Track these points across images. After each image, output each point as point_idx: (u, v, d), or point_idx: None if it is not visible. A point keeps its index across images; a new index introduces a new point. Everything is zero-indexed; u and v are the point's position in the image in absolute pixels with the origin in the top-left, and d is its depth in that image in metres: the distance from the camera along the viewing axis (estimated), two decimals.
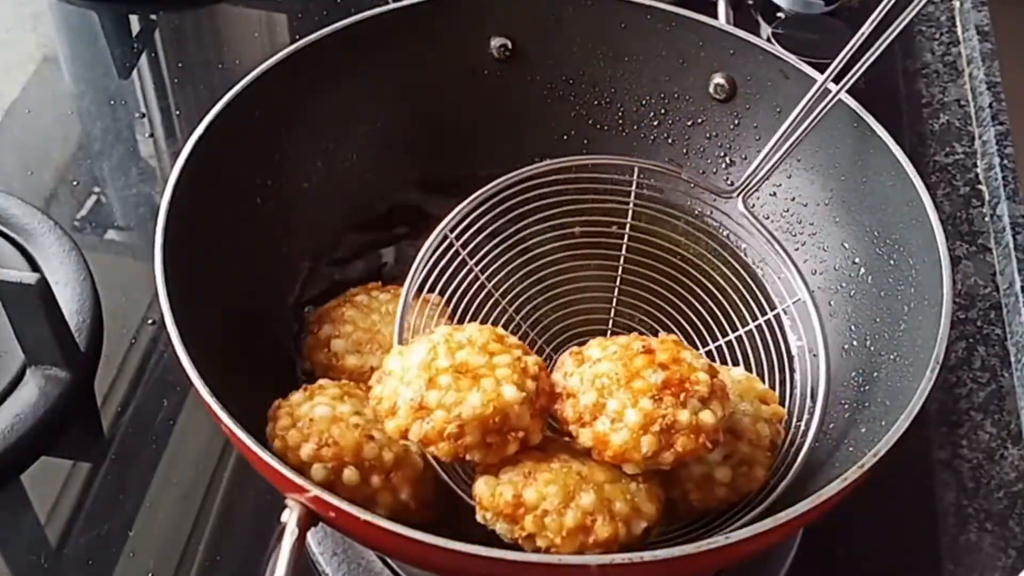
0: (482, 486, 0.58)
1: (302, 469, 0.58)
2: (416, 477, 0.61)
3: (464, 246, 0.70)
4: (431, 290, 0.68)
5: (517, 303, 0.72)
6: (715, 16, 0.93)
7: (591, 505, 0.57)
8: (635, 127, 0.81)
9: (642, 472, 0.59)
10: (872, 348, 0.69)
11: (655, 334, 0.68)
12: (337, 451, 0.59)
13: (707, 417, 0.57)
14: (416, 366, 0.59)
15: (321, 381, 0.64)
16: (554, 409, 0.61)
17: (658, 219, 0.76)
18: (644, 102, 0.80)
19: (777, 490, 0.63)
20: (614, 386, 0.59)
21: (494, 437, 0.58)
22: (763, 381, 0.68)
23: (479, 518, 0.58)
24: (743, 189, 0.73)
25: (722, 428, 0.59)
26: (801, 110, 0.71)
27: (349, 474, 0.59)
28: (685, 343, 0.62)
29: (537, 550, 0.57)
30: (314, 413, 0.60)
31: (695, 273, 0.75)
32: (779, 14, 0.99)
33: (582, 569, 0.54)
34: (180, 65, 1.00)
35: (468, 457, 0.58)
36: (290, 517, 0.56)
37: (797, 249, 0.76)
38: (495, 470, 0.59)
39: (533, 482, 0.57)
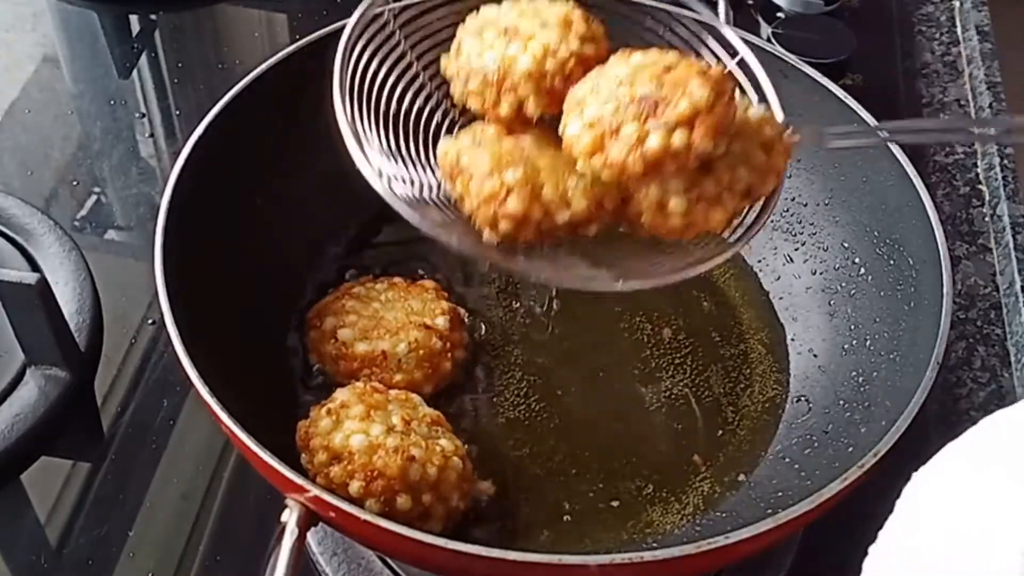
0: (443, 142, 0.61)
1: (353, 502, 0.58)
2: (461, 478, 0.63)
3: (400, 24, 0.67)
4: (356, 65, 0.65)
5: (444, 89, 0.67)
6: (715, 16, 0.93)
7: (514, 179, 0.57)
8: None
9: (591, 176, 0.58)
10: (872, 348, 0.69)
11: None
12: (385, 483, 0.60)
13: (653, 140, 0.55)
14: (481, 17, 0.62)
15: (340, 398, 0.65)
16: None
17: None
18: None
19: (735, 239, 0.60)
20: (607, 86, 0.57)
21: (491, 93, 0.60)
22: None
23: (440, 178, 0.61)
24: None
25: (685, 160, 0.55)
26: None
27: (402, 501, 0.60)
28: (728, 81, 0.57)
29: (469, 217, 0.58)
30: (351, 444, 0.61)
31: None
32: (779, 14, 0.99)
33: (582, 569, 0.54)
34: (180, 65, 1.00)
35: (468, 103, 0.61)
36: (290, 517, 0.56)
37: (797, 249, 0.76)
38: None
39: (477, 149, 0.59)
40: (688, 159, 0.55)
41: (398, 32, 0.66)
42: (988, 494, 0.38)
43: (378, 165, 0.60)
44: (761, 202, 0.61)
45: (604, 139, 0.55)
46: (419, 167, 0.64)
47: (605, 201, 0.59)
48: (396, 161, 0.63)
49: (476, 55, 0.61)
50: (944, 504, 0.39)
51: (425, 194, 0.62)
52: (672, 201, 0.58)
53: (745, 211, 0.61)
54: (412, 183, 0.62)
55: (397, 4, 0.66)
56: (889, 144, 0.70)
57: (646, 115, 0.55)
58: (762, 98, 0.64)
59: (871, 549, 0.41)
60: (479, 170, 0.58)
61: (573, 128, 0.57)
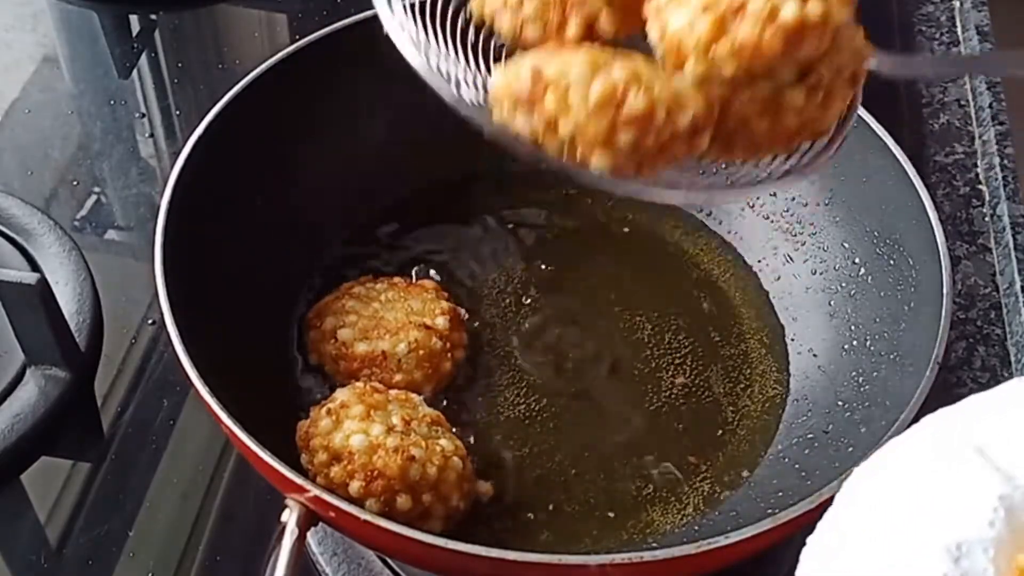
0: (498, 74, 0.51)
1: (353, 502, 0.58)
2: (461, 478, 0.63)
3: None
4: None
5: None
6: None
7: (623, 76, 0.47)
8: None
9: (701, 77, 0.48)
10: (872, 348, 0.69)
11: None
12: (385, 483, 0.60)
13: (790, 9, 0.46)
14: None
15: (340, 398, 0.65)
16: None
17: None
18: None
19: (842, 134, 0.54)
20: None
21: (555, 11, 0.51)
22: None
23: (496, 117, 0.50)
24: None
25: (824, 34, 0.47)
26: None
27: (402, 501, 0.60)
28: None
29: (561, 147, 0.48)
30: (351, 444, 0.61)
31: None
32: None
33: (582, 569, 0.54)
34: (180, 65, 1.00)
35: (525, 34, 0.51)
36: (290, 517, 0.56)
37: (797, 249, 0.76)
38: None
39: (557, 58, 0.48)
40: (826, 32, 0.47)
41: None
42: (919, 491, 0.38)
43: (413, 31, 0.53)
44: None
45: (725, 20, 0.46)
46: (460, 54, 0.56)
47: (716, 102, 0.50)
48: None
49: None
50: (878, 498, 0.40)
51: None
52: (788, 94, 0.50)
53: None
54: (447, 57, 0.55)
55: None
56: (889, 144, 0.70)
57: None
58: None
59: (808, 540, 0.41)
60: (577, 74, 0.47)
61: (678, 20, 0.47)
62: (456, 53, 0.55)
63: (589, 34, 0.51)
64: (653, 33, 0.49)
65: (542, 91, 0.48)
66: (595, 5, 0.51)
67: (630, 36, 0.51)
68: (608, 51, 0.49)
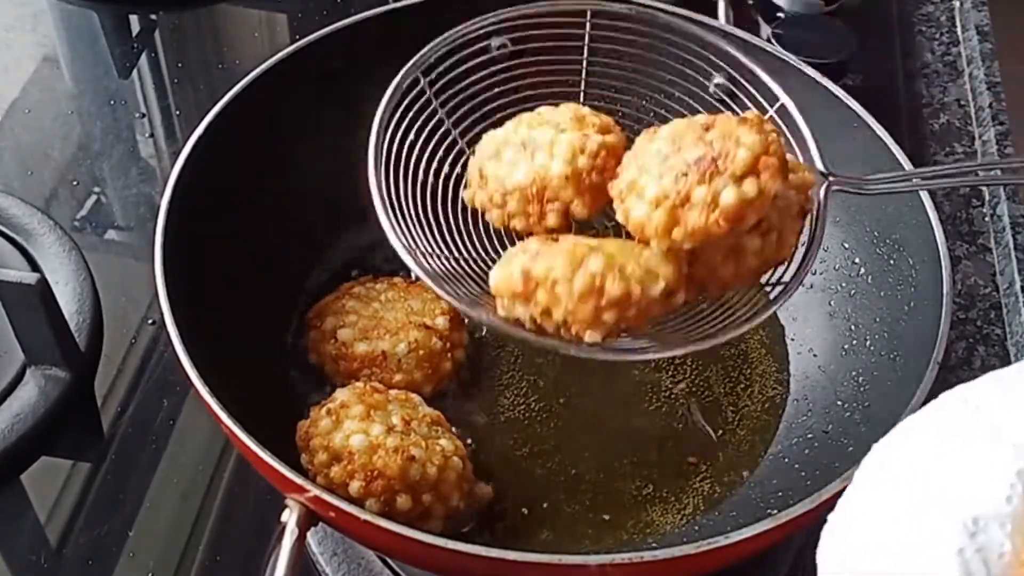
0: (495, 273, 0.59)
1: (353, 502, 0.58)
2: (461, 478, 0.63)
3: (435, 92, 0.68)
4: (396, 131, 0.66)
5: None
6: (715, 16, 0.93)
7: (599, 267, 0.56)
8: (635, 127, 0.81)
9: (666, 250, 0.57)
10: (872, 348, 0.69)
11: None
12: (385, 483, 0.60)
13: (728, 196, 0.54)
14: (494, 139, 0.63)
15: (340, 398, 0.65)
16: (608, 188, 0.60)
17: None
18: (644, 103, 0.80)
19: (801, 263, 0.61)
20: (654, 163, 0.57)
21: (535, 207, 0.60)
22: None
23: (500, 312, 0.58)
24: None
25: (762, 205, 0.55)
26: None
27: (402, 501, 0.60)
28: (757, 116, 0.58)
29: (557, 328, 0.57)
30: (351, 444, 0.61)
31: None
32: (779, 14, 0.99)
33: (582, 569, 0.54)
34: (180, 65, 1.00)
35: (512, 225, 0.61)
36: (290, 517, 0.56)
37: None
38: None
39: (540, 258, 0.57)
40: (764, 204, 0.55)
41: (434, 100, 0.67)
42: (936, 466, 0.39)
43: (410, 239, 0.62)
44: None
45: (676, 211, 0.55)
46: (456, 238, 0.65)
47: (682, 266, 0.59)
48: (431, 231, 0.64)
49: (505, 176, 0.61)
50: (895, 475, 0.40)
51: (460, 267, 0.63)
52: (747, 242, 0.58)
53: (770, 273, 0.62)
54: (445, 256, 0.63)
55: (433, 72, 0.67)
56: (889, 144, 0.70)
57: (710, 174, 0.54)
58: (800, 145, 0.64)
59: (829, 517, 0.42)
60: (560, 272, 0.56)
61: (639, 211, 0.56)
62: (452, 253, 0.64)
63: (566, 220, 0.60)
64: (620, 216, 0.58)
65: (533, 288, 0.57)
66: (566, 197, 0.60)
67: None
68: (584, 243, 0.58)
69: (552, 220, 0.60)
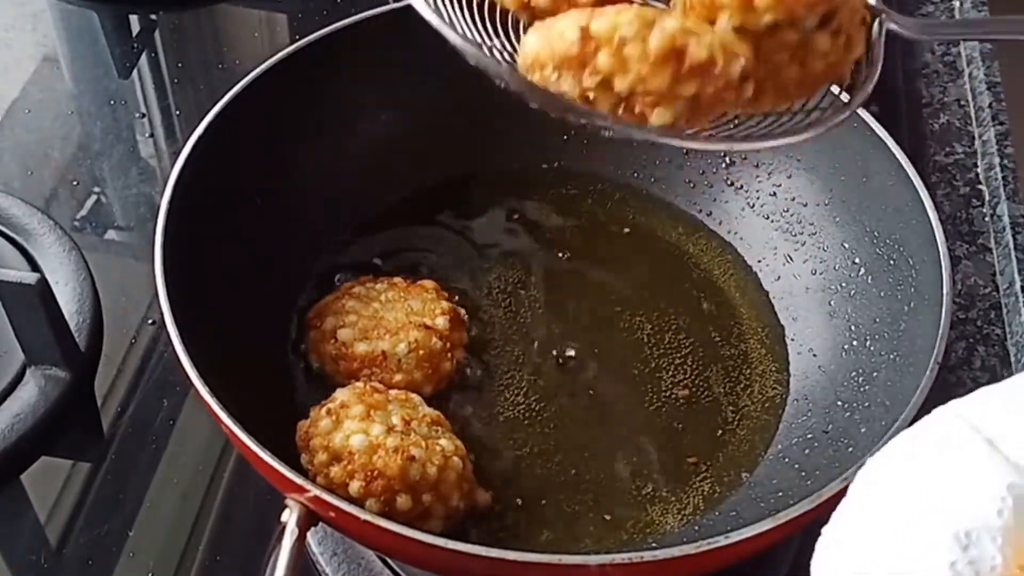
0: (533, 39, 0.48)
1: (353, 502, 0.58)
2: (461, 478, 0.63)
3: None
4: None
5: None
6: None
7: (677, 28, 0.45)
8: None
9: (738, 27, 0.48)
10: (872, 348, 0.69)
11: None
12: (385, 483, 0.60)
13: None
14: None
15: (340, 398, 0.65)
16: None
17: None
18: None
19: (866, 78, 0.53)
20: None
21: None
22: None
23: (534, 77, 0.48)
24: None
25: None
26: None
27: (402, 501, 0.60)
28: None
29: (617, 106, 0.47)
30: (351, 444, 0.61)
31: None
32: None
33: (582, 569, 0.54)
34: (180, 65, 1.00)
35: (536, 2, 0.50)
36: (290, 517, 0.56)
37: (797, 249, 0.76)
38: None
39: (601, 14, 0.45)
40: None
41: None
42: (928, 480, 0.39)
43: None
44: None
45: None
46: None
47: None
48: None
49: None
50: (889, 488, 0.40)
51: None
52: (815, 39, 0.49)
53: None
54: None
55: None
56: (889, 144, 0.70)
57: None
58: None
59: (823, 530, 0.42)
60: (631, 30, 0.45)
61: None
62: (471, 21, 0.54)
63: None
64: None
65: (593, 50, 0.46)
66: None
67: None
68: (647, 8, 0.47)
69: None
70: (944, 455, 0.40)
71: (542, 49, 0.47)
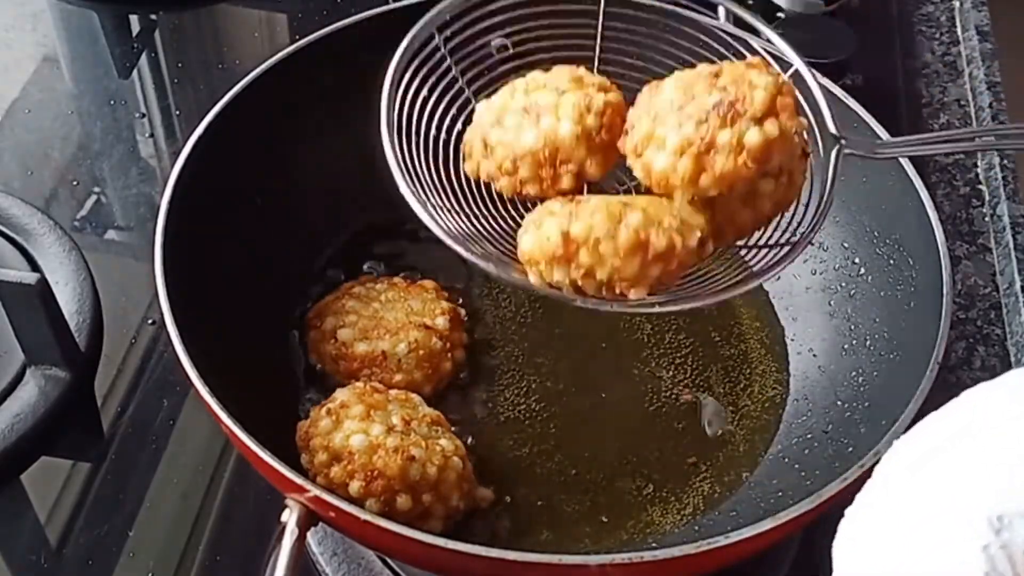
0: (527, 239, 0.57)
1: (353, 502, 0.58)
2: (461, 478, 0.63)
3: (449, 48, 0.66)
4: (407, 88, 0.63)
5: None
6: (715, 16, 0.93)
7: (640, 222, 0.55)
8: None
9: (691, 200, 0.57)
10: (872, 348, 0.69)
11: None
12: (385, 483, 0.60)
13: (752, 136, 0.54)
14: (492, 108, 0.61)
15: (340, 398, 0.65)
16: (619, 145, 0.59)
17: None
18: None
19: (815, 218, 0.60)
20: (668, 113, 0.56)
21: (547, 171, 0.59)
22: None
23: (532, 279, 0.57)
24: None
25: (783, 144, 0.55)
26: None
27: (402, 501, 0.60)
28: (764, 60, 0.59)
29: (600, 288, 0.56)
30: (351, 444, 0.61)
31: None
32: (779, 14, 0.99)
33: (582, 569, 0.54)
34: (180, 65, 1.00)
35: (525, 192, 0.59)
36: (290, 517, 0.56)
37: None
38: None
39: (576, 218, 0.55)
40: (786, 142, 0.55)
41: (448, 57, 0.66)
42: (960, 463, 0.39)
43: (423, 197, 0.60)
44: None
45: (703, 157, 0.54)
46: (470, 197, 0.63)
47: (705, 211, 0.58)
48: (446, 192, 0.63)
49: (513, 142, 0.59)
50: (919, 472, 0.40)
51: (477, 227, 0.62)
52: (761, 186, 0.58)
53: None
54: (460, 213, 0.62)
55: (447, 28, 0.65)
56: None
57: (731, 118, 0.54)
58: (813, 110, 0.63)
59: (847, 511, 0.42)
60: (602, 231, 0.55)
61: (662, 162, 0.55)
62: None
63: (579, 181, 0.59)
64: (637, 171, 0.57)
65: (575, 249, 0.55)
66: (579, 157, 0.58)
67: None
68: (614, 200, 0.56)
69: (566, 182, 0.59)
70: (974, 438, 0.40)
71: (534, 251, 0.56)
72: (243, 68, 0.74)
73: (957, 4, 1.06)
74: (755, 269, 0.60)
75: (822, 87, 0.64)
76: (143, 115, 0.95)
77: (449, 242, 0.59)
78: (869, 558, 0.40)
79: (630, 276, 0.55)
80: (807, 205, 0.61)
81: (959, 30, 1.04)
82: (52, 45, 1.03)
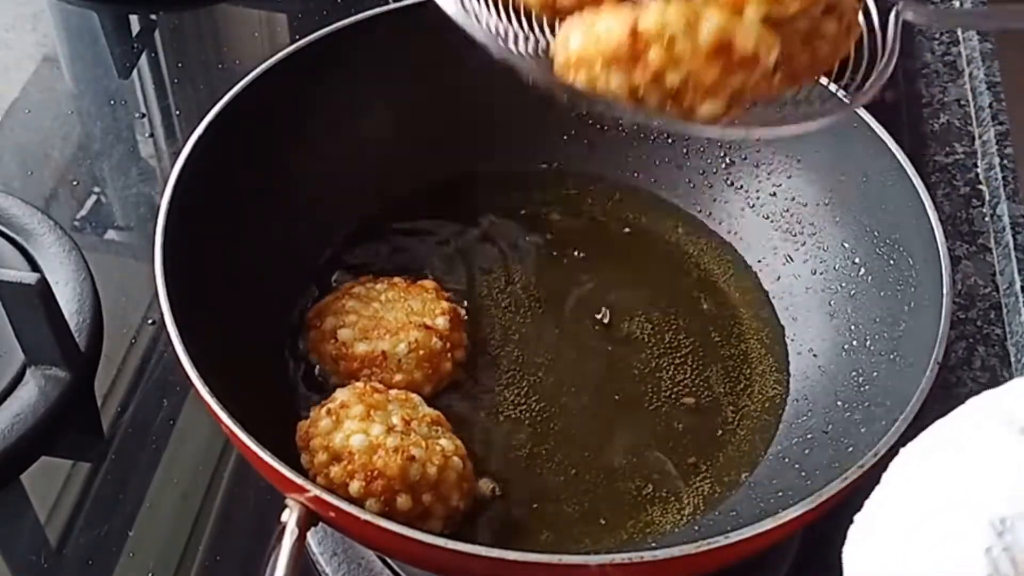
0: (577, 37, 0.48)
1: (354, 502, 0.58)
2: (461, 478, 0.63)
3: None
4: None
5: None
6: None
7: (721, 22, 0.47)
8: (635, 127, 0.81)
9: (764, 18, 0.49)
10: (872, 348, 0.69)
11: None
12: (385, 483, 0.60)
13: None
14: None
15: (340, 398, 0.65)
16: None
17: None
18: None
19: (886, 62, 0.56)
20: None
21: None
22: None
23: (576, 75, 0.49)
24: None
25: None
26: None
27: (402, 501, 0.60)
28: None
29: (665, 100, 0.48)
30: (351, 444, 0.61)
31: None
32: None
33: (582, 569, 0.54)
34: (180, 65, 1.00)
35: (560, 2, 0.51)
36: (290, 517, 0.56)
37: (797, 249, 0.76)
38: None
39: (645, 12, 0.47)
40: None
41: None
42: (963, 468, 0.39)
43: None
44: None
45: None
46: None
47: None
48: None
49: None
50: (924, 477, 0.40)
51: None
52: (823, 25, 0.52)
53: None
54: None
55: None
56: (889, 144, 0.70)
57: None
58: None
59: (856, 517, 0.42)
60: (679, 27, 0.46)
61: None
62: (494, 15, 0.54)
63: None
64: None
65: (643, 47, 0.47)
66: None
67: None
68: (681, 1, 0.48)
69: None
70: (978, 444, 0.40)
71: (587, 48, 0.48)
72: (243, 68, 0.74)
73: (957, 4, 1.06)
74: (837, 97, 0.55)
75: None
76: (143, 115, 0.95)
77: (480, 36, 0.50)
78: (877, 562, 0.40)
79: (707, 82, 0.47)
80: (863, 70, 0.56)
81: (959, 30, 1.04)
82: (52, 45, 1.03)
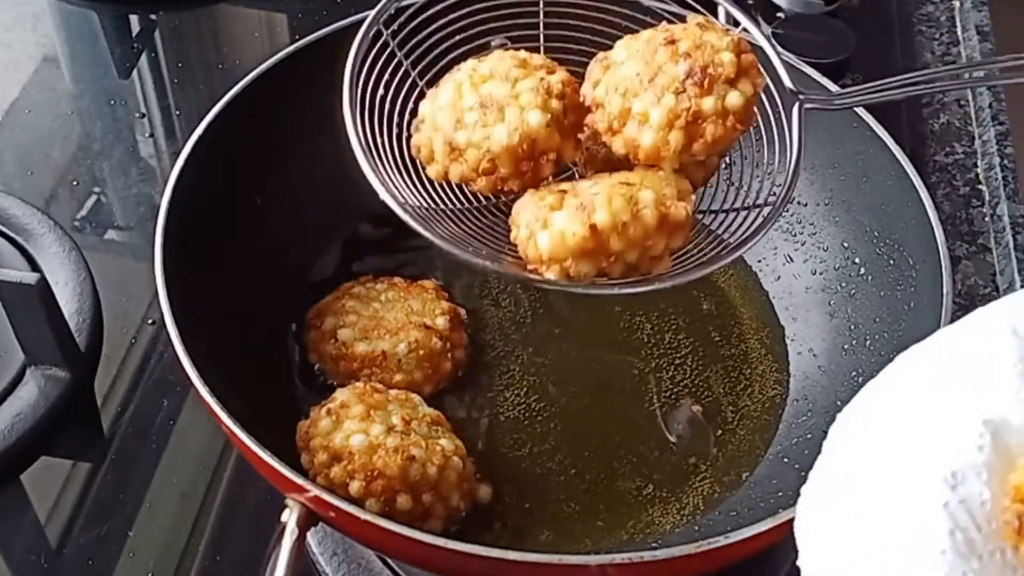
0: (545, 240, 0.56)
1: (354, 502, 0.58)
2: (461, 478, 0.63)
3: (399, 44, 0.66)
4: (364, 88, 0.64)
5: None
6: (715, 16, 0.93)
7: (653, 198, 0.55)
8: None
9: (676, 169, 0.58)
10: (872, 348, 0.69)
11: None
12: (386, 483, 0.60)
13: (734, 99, 0.55)
14: (444, 108, 0.60)
15: (340, 398, 0.65)
16: (588, 123, 0.59)
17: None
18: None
19: (789, 182, 0.61)
20: (638, 87, 0.57)
21: (527, 164, 0.58)
22: None
23: (551, 276, 0.56)
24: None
25: (755, 100, 0.57)
26: None
27: (402, 501, 0.60)
28: (712, 20, 0.59)
29: (625, 268, 0.56)
30: (351, 444, 0.61)
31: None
32: (779, 14, 0.99)
33: (582, 569, 0.54)
34: (180, 65, 1.00)
35: (507, 188, 0.59)
36: (290, 517, 0.56)
37: (797, 249, 0.76)
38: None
39: (590, 207, 0.55)
40: (756, 98, 0.57)
41: (398, 52, 0.66)
42: (907, 427, 0.39)
43: (390, 182, 0.60)
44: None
45: (692, 128, 0.55)
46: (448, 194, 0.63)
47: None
48: (410, 175, 0.62)
49: (483, 141, 0.58)
50: (870, 439, 0.40)
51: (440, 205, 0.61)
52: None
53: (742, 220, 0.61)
54: (425, 195, 0.61)
55: (393, 24, 0.65)
56: (889, 144, 0.70)
57: (708, 84, 0.55)
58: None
59: (803, 489, 0.42)
60: (626, 215, 0.55)
61: (649, 137, 0.56)
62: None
63: (556, 168, 0.60)
64: (617, 147, 0.58)
65: (604, 237, 0.55)
66: (555, 143, 0.58)
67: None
68: (611, 181, 0.57)
69: (547, 170, 0.59)
70: (917, 400, 0.40)
71: (557, 249, 0.55)
72: (243, 68, 0.74)
73: (957, 4, 1.06)
74: (732, 241, 0.60)
75: (768, 40, 0.65)
76: (143, 115, 0.96)
77: (447, 247, 0.58)
78: (834, 532, 0.40)
79: (659, 252, 0.56)
80: (775, 169, 0.62)
81: (959, 30, 1.04)
82: (52, 45, 1.03)
